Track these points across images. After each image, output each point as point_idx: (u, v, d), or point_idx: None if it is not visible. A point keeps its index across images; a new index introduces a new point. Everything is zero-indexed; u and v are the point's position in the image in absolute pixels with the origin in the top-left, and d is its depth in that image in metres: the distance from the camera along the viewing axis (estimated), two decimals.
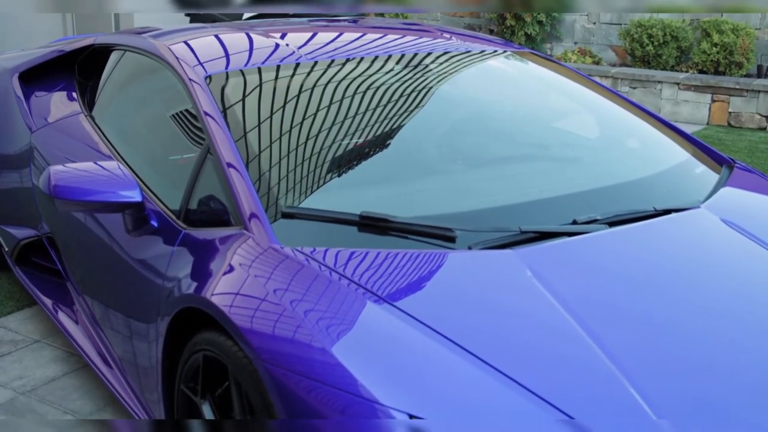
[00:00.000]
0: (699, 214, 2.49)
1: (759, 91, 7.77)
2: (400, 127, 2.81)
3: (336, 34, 3.35)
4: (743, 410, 1.76)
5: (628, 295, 2.07)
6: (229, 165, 2.40)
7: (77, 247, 3.18)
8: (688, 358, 1.88)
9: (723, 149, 6.74)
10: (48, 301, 3.44)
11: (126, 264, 2.67)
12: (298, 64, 2.88)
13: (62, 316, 3.32)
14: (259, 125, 2.62)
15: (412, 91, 2.93)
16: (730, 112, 7.95)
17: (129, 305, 2.68)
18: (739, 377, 1.85)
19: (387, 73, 2.94)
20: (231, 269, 2.15)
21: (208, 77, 2.74)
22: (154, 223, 2.58)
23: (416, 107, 2.90)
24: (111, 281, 2.85)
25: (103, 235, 2.88)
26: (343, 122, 2.72)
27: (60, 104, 3.61)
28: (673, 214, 2.45)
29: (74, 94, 3.60)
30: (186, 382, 2.25)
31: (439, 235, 2.20)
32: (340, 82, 2.85)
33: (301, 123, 2.66)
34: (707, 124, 8.06)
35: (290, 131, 2.63)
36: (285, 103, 2.73)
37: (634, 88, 8.35)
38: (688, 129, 7.60)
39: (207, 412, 2.18)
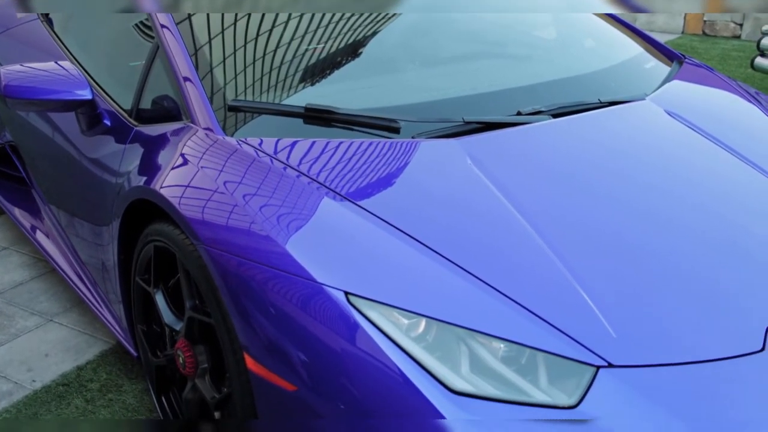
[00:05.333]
0: (643, 105, 2.53)
1: None
2: (354, 28, 2.81)
3: None
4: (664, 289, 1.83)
5: (562, 181, 2.12)
6: (178, 62, 2.42)
7: (38, 153, 3.21)
8: (610, 230, 1.94)
9: (695, 57, 6.73)
10: (14, 209, 3.49)
11: (82, 166, 2.70)
12: None
13: (28, 223, 3.37)
14: (222, 29, 2.61)
15: None
16: (705, 21, 7.91)
17: (88, 207, 2.72)
18: (665, 257, 1.91)
19: None
20: (179, 161, 2.19)
21: None
22: (107, 122, 2.61)
23: (373, 8, 2.90)
24: (71, 185, 2.88)
25: (60, 140, 2.91)
26: (299, 23, 2.72)
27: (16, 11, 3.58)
28: (618, 106, 2.49)
29: None
30: (140, 274, 2.32)
31: (383, 126, 2.23)
32: None
33: (248, 19, 2.66)
34: (682, 33, 8.03)
35: (241, 28, 2.64)
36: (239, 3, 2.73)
37: None
38: (663, 38, 7.57)
39: (160, 300, 2.25)
